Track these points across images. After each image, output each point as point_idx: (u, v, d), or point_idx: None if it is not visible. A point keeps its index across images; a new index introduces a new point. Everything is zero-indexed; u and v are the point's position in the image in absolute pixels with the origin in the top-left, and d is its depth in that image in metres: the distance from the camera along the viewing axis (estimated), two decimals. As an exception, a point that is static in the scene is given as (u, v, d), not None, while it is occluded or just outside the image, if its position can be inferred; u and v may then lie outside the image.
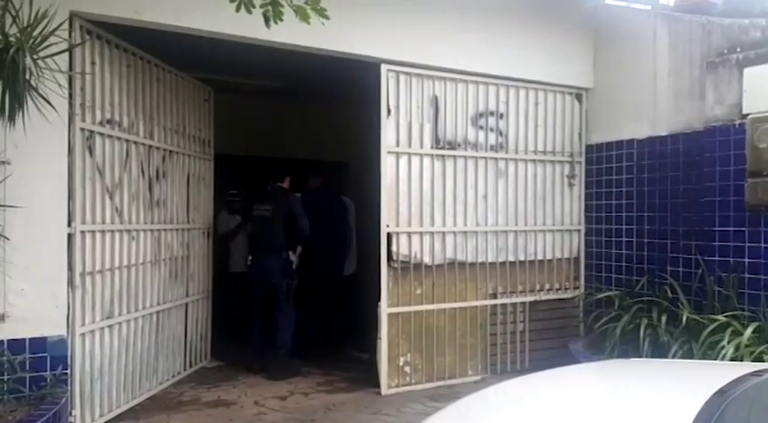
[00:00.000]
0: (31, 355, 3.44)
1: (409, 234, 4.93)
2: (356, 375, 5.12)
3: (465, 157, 5.18)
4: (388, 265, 4.82)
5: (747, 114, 4.27)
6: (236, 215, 6.11)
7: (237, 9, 2.70)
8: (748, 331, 3.89)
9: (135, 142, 4.35)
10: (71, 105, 3.59)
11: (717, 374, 1.82)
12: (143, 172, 4.47)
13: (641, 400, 1.73)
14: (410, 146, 4.95)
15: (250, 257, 5.47)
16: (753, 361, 3.71)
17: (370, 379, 4.87)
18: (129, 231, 4.26)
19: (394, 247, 4.81)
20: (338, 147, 7.16)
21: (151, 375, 4.58)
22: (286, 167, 5.74)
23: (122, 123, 4.20)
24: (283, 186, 5.61)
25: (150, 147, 4.56)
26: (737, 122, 4.34)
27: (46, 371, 3.48)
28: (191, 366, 5.22)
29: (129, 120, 4.29)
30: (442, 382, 5.01)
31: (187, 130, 5.20)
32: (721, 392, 1.60)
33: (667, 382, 1.93)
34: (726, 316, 4.11)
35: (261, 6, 2.73)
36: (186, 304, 5.14)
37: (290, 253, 5.46)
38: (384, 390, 4.76)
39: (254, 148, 6.96)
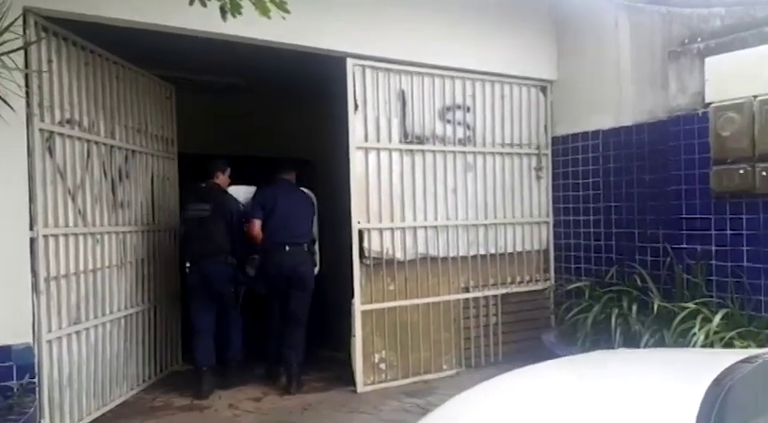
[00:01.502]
0: (-5, 365, 3.29)
1: (380, 230, 4.89)
2: (331, 374, 5.07)
3: (434, 152, 5.18)
4: (360, 261, 4.78)
5: (710, 103, 4.36)
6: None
7: (191, 2, 2.61)
8: (717, 318, 3.97)
9: (96, 142, 4.21)
10: (29, 105, 3.44)
11: (707, 363, 1.83)
12: (105, 173, 4.33)
13: (640, 392, 1.72)
14: (379, 141, 4.91)
15: (188, 263, 4.79)
16: (723, 347, 3.80)
17: (345, 377, 4.83)
18: (93, 234, 4.12)
19: (365, 244, 4.78)
20: (304, 144, 7.07)
21: (121, 381, 4.45)
22: (225, 161, 5.16)
23: (82, 123, 4.06)
24: (218, 182, 5.04)
25: (112, 147, 4.42)
26: (701, 111, 4.43)
27: (12, 380, 3.33)
28: (162, 371, 5.10)
29: (90, 119, 4.15)
30: (417, 378, 5.00)
31: (149, 128, 5.06)
32: (718, 381, 1.61)
33: (661, 372, 1.93)
34: (695, 303, 4.19)
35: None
36: (155, 307, 5.01)
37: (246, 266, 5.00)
38: (360, 387, 4.72)
39: (217, 147, 6.81)
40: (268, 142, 6.82)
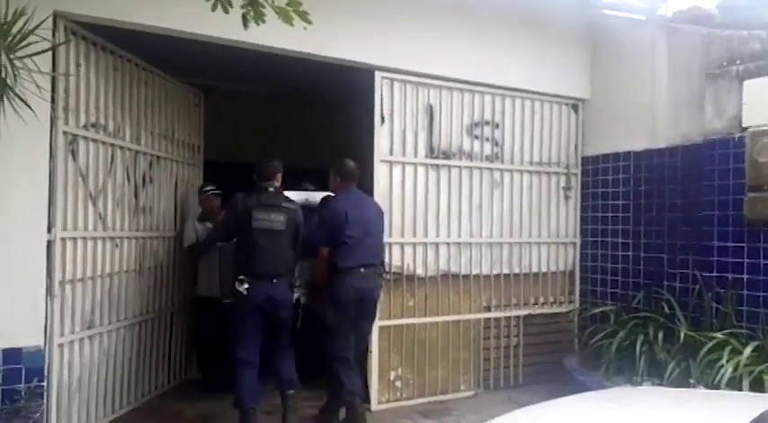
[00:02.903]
0: (5, 367, 3.27)
1: (402, 244, 4.81)
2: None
3: (460, 167, 5.09)
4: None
5: (747, 127, 4.20)
6: (207, 223, 4.93)
7: (213, 8, 2.61)
8: (747, 350, 3.80)
9: (121, 147, 4.22)
10: (53, 108, 3.45)
11: (737, 407, 1.71)
12: (128, 177, 4.34)
13: None
14: (404, 155, 4.85)
15: (246, 285, 3.91)
16: (752, 381, 3.63)
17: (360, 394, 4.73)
18: (112, 238, 4.13)
19: (386, 258, 4.70)
20: (332, 154, 7.05)
21: (133, 388, 4.42)
22: (281, 163, 4.32)
23: (108, 127, 4.08)
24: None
25: (137, 152, 4.44)
26: (737, 135, 4.27)
27: (21, 383, 3.31)
28: (175, 379, 5.07)
29: (115, 124, 4.17)
30: (433, 398, 4.88)
31: (176, 135, 5.08)
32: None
33: (689, 416, 1.81)
34: (724, 334, 4.02)
35: (241, 7, 2.63)
36: (171, 314, 4.99)
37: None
38: (374, 405, 4.63)
39: (245, 155, 6.83)
40: (294, 151, 6.83)
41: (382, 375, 4.71)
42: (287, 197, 4.22)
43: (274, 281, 3.96)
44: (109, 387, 4.12)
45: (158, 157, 4.76)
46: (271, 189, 4.10)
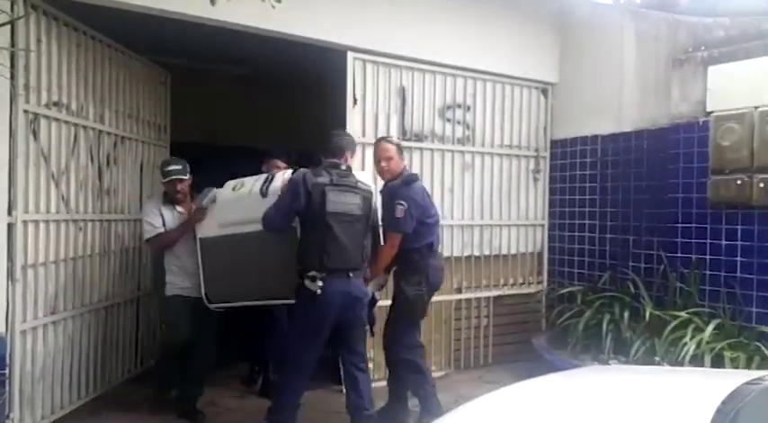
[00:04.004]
0: (-35, 355, 3.17)
1: (374, 227, 4.80)
2: (318, 373, 4.92)
3: (432, 150, 5.09)
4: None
5: (711, 112, 4.32)
6: (176, 207, 4.05)
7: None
8: (709, 328, 3.94)
9: (84, 126, 4.07)
10: (13, 85, 3.29)
11: (711, 385, 1.76)
12: (92, 158, 4.20)
13: (646, 417, 1.66)
14: (376, 137, 4.80)
15: (320, 282, 3.26)
16: (713, 357, 3.77)
17: (332, 376, 4.72)
18: (75, 221, 3.99)
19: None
20: (304, 135, 6.98)
21: (99, 374, 4.32)
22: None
23: (70, 106, 3.92)
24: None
25: (101, 132, 4.29)
26: (701, 120, 4.38)
27: (-19, 371, 3.21)
28: (142, 364, 4.97)
29: (78, 102, 4.02)
30: (404, 379, 4.91)
31: (141, 114, 4.92)
32: (724, 405, 1.54)
33: (666, 396, 1.86)
34: (688, 312, 4.16)
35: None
36: (138, 299, 4.88)
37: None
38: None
39: (214, 137, 6.72)
40: (267, 133, 6.73)
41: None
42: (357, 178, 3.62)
43: (351, 275, 3.38)
44: (74, 374, 4.01)
45: (123, 137, 4.61)
46: (344, 167, 3.49)
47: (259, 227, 3.40)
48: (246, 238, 3.56)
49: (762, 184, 4.03)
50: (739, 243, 4.18)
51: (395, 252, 3.75)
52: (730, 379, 1.82)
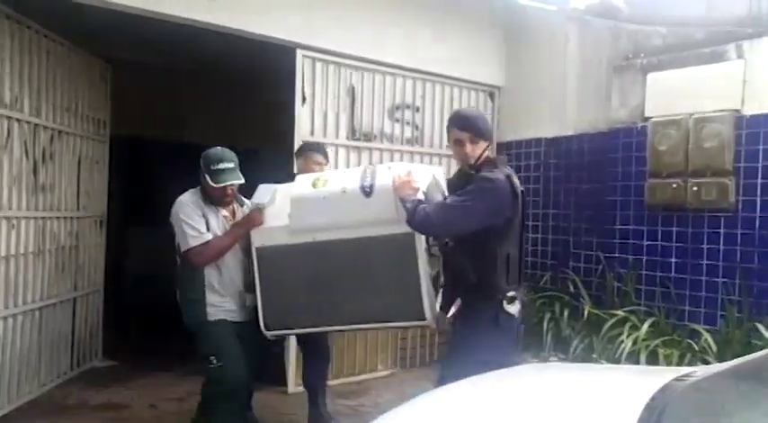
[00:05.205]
0: None
1: (321, 227, 4.77)
2: (262, 373, 4.90)
3: (381, 150, 5.10)
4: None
5: (649, 117, 4.48)
6: (221, 210, 3.22)
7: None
8: (645, 326, 4.10)
9: (18, 120, 3.90)
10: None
11: (642, 381, 1.83)
12: (27, 153, 4.03)
13: (576, 414, 1.70)
14: (325, 136, 4.79)
15: (518, 305, 2.76)
16: (648, 354, 3.92)
17: (277, 376, 4.68)
18: (8, 219, 3.82)
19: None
20: (249, 133, 6.87)
21: (32, 377, 4.15)
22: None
23: (3, 98, 3.75)
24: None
25: (36, 125, 4.12)
26: (640, 125, 4.55)
27: None
28: (78, 366, 4.80)
29: (12, 94, 3.85)
30: (351, 378, 4.91)
31: (80, 108, 4.75)
32: (653, 402, 1.60)
33: (596, 392, 1.92)
34: (624, 311, 4.31)
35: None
36: (74, 299, 4.70)
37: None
38: (291, 388, 4.59)
39: (158, 132, 6.56)
40: (211, 129, 6.60)
41: (299, 358, 4.67)
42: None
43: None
44: (5, 376, 3.84)
45: (60, 131, 4.44)
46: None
47: (357, 233, 2.84)
48: (337, 248, 2.89)
49: (695, 188, 4.21)
50: (674, 244, 4.36)
51: None
52: (660, 376, 1.88)
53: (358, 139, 4.97)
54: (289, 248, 2.97)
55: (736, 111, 4.07)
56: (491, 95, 5.79)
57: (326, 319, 3.05)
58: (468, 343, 2.68)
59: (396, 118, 5.22)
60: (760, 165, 3.97)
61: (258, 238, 3.03)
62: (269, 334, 3.11)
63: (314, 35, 4.58)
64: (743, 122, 4.04)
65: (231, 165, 3.09)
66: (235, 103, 7.05)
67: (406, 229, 2.73)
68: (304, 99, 4.65)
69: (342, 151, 4.88)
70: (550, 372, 2.26)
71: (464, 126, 2.83)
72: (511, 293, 2.72)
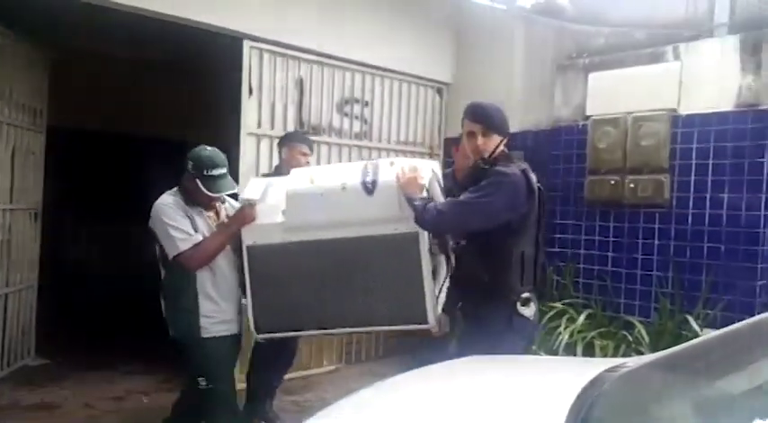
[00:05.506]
0: None
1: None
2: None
3: (329, 144, 5.07)
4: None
5: (590, 116, 4.61)
6: (203, 210, 2.98)
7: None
8: (581, 318, 4.22)
9: (-58, 105, 3.70)
10: None
11: (576, 373, 1.86)
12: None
13: (507, 407, 1.73)
14: (273, 128, 4.73)
15: (533, 306, 2.72)
16: (584, 346, 4.04)
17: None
18: (-69, 209, 3.63)
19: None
20: (196, 124, 6.73)
21: (-42, 377, 3.96)
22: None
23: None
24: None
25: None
26: (581, 123, 4.67)
27: None
28: (9, 365, 4.59)
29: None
30: (296, 374, 4.84)
31: (15, 97, 4.54)
32: (584, 392, 1.63)
33: (529, 384, 1.95)
34: (563, 303, 4.42)
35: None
36: (6, 295, 4.50)
37: None
38: (237, 385, 4.51)
39: (103, 124, 6.35)
40: (155, 120, 6.44)
41: (243, 355, 4.59)
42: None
43: None
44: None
45: (-9, 119, 4.24)
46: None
47: (356, 232, 2.68)
48: (335, 247, 2.73)
49: (632, 185, 4.36)
50: (611, 239, 4.50)
51: None
52: (595, 367, 1.92)
53: (306, 133, 4.91)
54: (282, 247, 2.78)
55: (673, 110, 4.23)
56: (439, 92, 5.83)
57: (322, 321, 2.87)
58: (478, 348, 2.46)
59: (345, 112, 5.19)
60: (693, 162, 4.14)
61: (249, 236, 2.82)
62: (259, 336, 2.93)
63: (262, 26, 4.50)
64: (678, 122, 4.20)
65: (225, 170, 2.89)
66: (182, 95, 6.88)
67: (409, 227, 2.60)
68: (251, 91, 4.57)
69: (289, 144, 4.82)
70: (483, 365, 2.28)
71: (477, 117, 2.73)
72: (525, 295, 2.62)
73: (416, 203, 2.51)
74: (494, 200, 2.51)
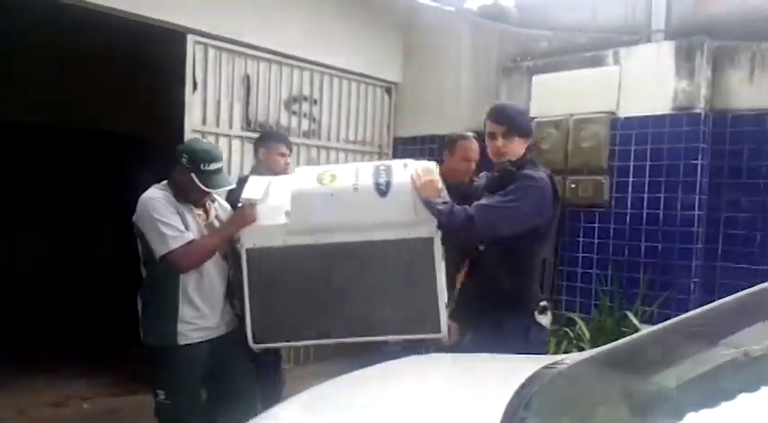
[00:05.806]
0: None
1: (213, 220, 4.62)
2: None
3: (276, 142, 5.01)
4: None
5: (534, 118, 4.70)
6: (194, 208, 2.77)
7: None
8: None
9: None
10: None
11: (515, 370, 1.89)
12: None
13: (443, 406, 1.74)
14: (218, 125, 4.64)
15: (549, 315, 2.66)
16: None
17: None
18: None
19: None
20: (138, 119, 6.53)
21: None
22: None
23: None
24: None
25: None
26: (525, 125, 4.76)
27: None
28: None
29: None
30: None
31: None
32: (522, 389, 1.66)
33: (466, 383, 1.98)
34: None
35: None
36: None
37: None
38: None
39: (42, 117, 6.08)
40: (98, 114, 6.21)
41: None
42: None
43: None
44: None
45: None
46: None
47: (366, 236, 2.55)
48: (343, 251, 2.58)
49: (573, 185, 4.49)
50: (554, 238, 4.61)
51: None
52: (534, 364, 1.96)
53: (253, 130, 4.84)
54: (285, 250, 2.59)
55: (612, 113, 4.37)
56: (388, 91, 5.85)
57: (326, 330, 2.67)
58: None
59: (293, 110, 5.14)
60: (631, 164, 4.29)
61: (249, 239, 2.61)
62: (257, 347, 2.67)
63: (206, 21, 4.40)
64: (618, 124, 4.35)
65: (221, 164, 2.72)
66: (123, 88, 6.66)
67: (423, 232, 2.50)
68: (195, 86, 4.47)
69: (236, 142, 4.74)
70: (423, 364, 2.31)
71: (499, 119, 2.67)
72: (543, 303, 2.58)
73: (440, 208, 2.43)
74: (522, 204, 2.46)
